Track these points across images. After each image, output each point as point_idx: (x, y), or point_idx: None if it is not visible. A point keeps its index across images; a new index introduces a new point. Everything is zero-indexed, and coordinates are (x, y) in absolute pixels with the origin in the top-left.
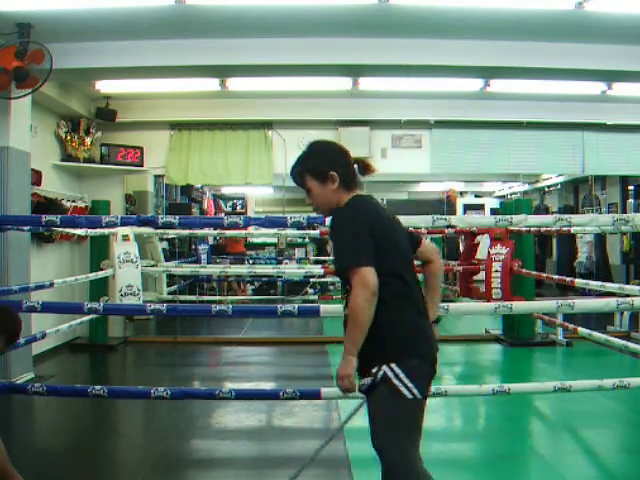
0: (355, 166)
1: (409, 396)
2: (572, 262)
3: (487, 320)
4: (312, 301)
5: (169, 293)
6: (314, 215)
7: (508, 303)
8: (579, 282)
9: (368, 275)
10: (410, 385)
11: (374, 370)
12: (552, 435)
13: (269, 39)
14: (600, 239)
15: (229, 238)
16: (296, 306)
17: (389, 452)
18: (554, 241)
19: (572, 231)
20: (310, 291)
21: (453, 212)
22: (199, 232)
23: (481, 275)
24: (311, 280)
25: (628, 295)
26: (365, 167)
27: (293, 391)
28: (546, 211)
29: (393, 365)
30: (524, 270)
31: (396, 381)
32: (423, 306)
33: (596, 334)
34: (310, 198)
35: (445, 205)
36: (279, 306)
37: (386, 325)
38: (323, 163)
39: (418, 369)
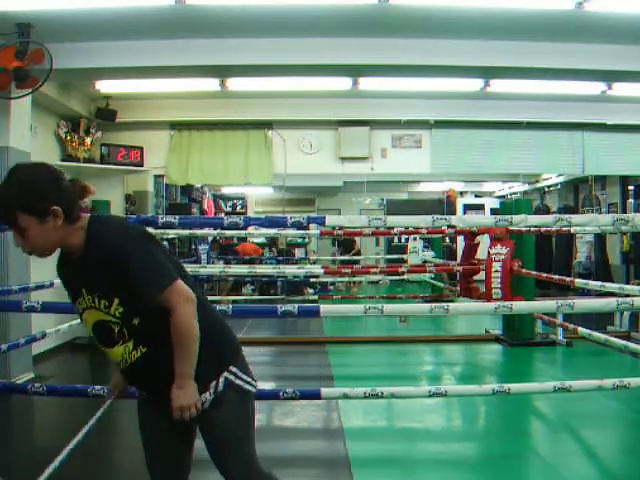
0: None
1: (253, 390)
2: (570, 262)
3: (487, 320)
4: (312, 301)
5: None
6: (314, 215)
7: (508, 303)
8: (579, 282)
9: (185, 287)
10: (249, 379)
11: (213, 383)
12: (552, 435)
13: (269, 39)
14: (600, 239)
15: (244, 244)
16: (296, 306)
17: (243, 469)
18: (553, 241)
19: (572, 231)
20: (310, 291)
21: (453, 212)
22: (199, 232)
23: (481, 275)
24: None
25: (628, 295)
26: (81, 190)
27: (293, 391)
28: (547, 211)
29: (231, 367)
30: (524, 270)
31: (239, 382)
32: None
33: (596, 334)
34: (22, 240)
35: (445, 205)
36: (279, 306)
37: (208, 330)
38: (40, 195)
39: (243, 359)
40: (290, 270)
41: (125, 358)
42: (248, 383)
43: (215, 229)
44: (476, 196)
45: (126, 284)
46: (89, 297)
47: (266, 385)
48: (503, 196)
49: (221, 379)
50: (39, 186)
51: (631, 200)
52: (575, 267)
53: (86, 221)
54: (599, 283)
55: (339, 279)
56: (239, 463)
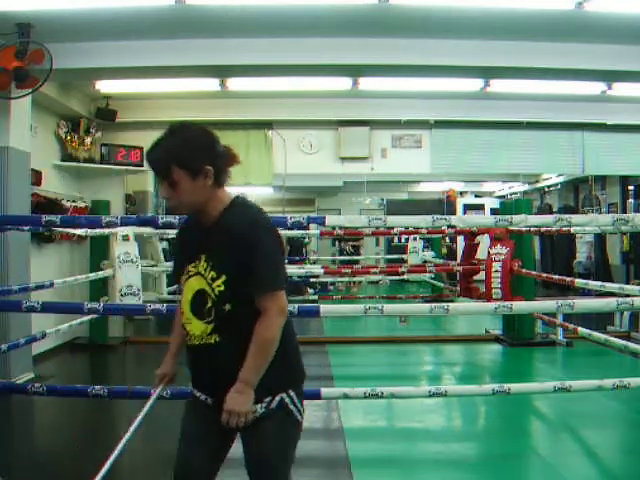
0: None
1: (301, 420)
2: (571, 262)
3: (487, 320)
4: (312, 301)
5: (169, 293)
6: (314, 215)
7: (508, 303)
8: (579, 282)
9: (285, 300)
10: (301, 409)
11: (268, 398)
12: (552, 435)
13: (269, 39)
14: (600, 239)
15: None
16: (296, 306)
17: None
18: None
19: (572, 231)
20: (310, 291)
21: (453, 212)
22: None
23: (481, 275)
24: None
25: (628, 295)
26: (231, 157)
27: None
28: (549, 211)
29: (290, 391)
30: (524, 270)
31: (292, 407)
32: None
33: (596, 334)
34: (172, 192)
35: (445, 205)
36: None
37: (286, 348)
38: (198, 154)
39: (302, 390)
40: (290, 270)
41: (201, 335)
42: (299, 412)
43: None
44: (476, 196)
45: (240, 266)
46: (204, 264)
47: None
48: (503, 196)
49: (277, 398)
50: (198, 145)
51: (631, 200)
52: (575, 267)
53: (229, 197)
54: (599, 283)
55: (339, 279)
56: None
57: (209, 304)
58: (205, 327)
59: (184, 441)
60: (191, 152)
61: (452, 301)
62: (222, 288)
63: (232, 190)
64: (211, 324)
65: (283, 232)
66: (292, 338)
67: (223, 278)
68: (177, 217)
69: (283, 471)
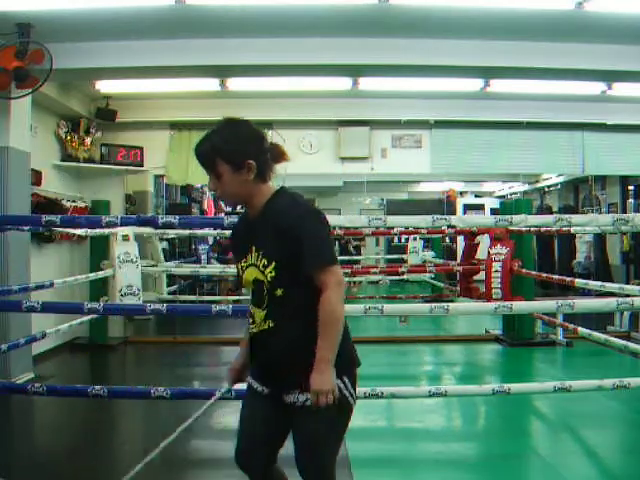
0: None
1: (353, 405)
2: (571, 262)
3: (487, 320)
4: None
5: (169, 293)
6: None
7: (508, 303)
8: (579, 282)
9: (341, 273)
10: (354, 393)
11: None
12: (552, 435)
13: (269, 39)
14: (600, 239)
15: None
16: None
17: (325, 468)
18: (554, 241)
19: (572, 231)
20: None
21: (453, 212)
22: (199, 232)
23: (481, 275)
24: None
25: (628, 295)
26: (279, 154)
27: None
28: (549, 211)
29: (344, 377)
30: (524, 270)
31: (346, 392)
32: None
33: (596, 334)
34: (217, 184)
35: (445, 205)
36: None
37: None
38: (242, 149)
39: (355, 375)
40: None
41: (259, 323)
42: (352, 397)
43: (215, 229)
44: (476, 196)
45: (288, 251)
46: (256, 254)
47: None
48: (503, 196)
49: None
50: (242, 140)
51: (631, 200)
52: (575, 267)
53: (274, 189)
54: (599, 283)
55: None
56: (315, 466)
57: (265, 292)
58: (262, 314)
59: (241, 427)
60: (234, 147)
61: (452, 301)
62: (274, 274)
63: None
64: (265, 310)
65: None
66: (345, 322)
67: (273, 264)
68: (177, 217)
69: (327, 454)
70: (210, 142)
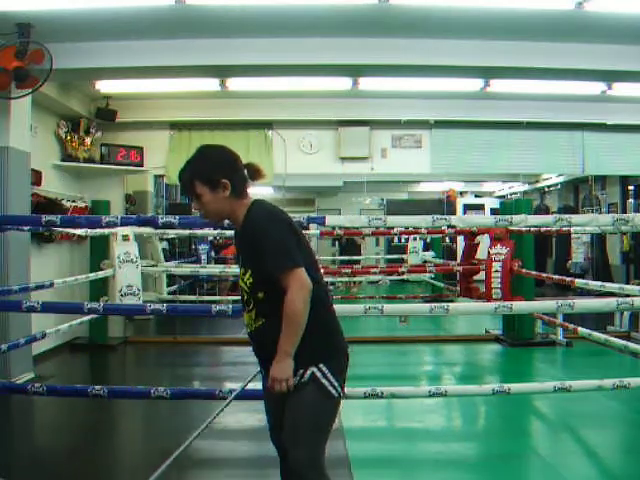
0: (245, 171)
1: (335, 395)
2: (566, 262)
3: (487, 320)
4: None
5: (169, 293)
6: (314, 215)
7: (508, 303)
8: (579, 282)
9: (304, 276)
10: (336, 384)
11: (300, 371)
12: (552, 435)
13: (269, 39)
14: (600, 239)
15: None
16: None
17: (306, 453)
18: (552, 242)
19: (572, 231)
20: None
21: (453, 212)
22: (199, 232)
23: (481, 275)
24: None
25: (628, 295)
26: (255, 172)
27: None
28: (547, 211)
29: (321, 365)
30: (524, 270)
31: (324, 381)
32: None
33: (596, 334)
34: (199, 205)
35: (445, 205)
36: None
37: (314, 326)
38: (214, 170)
39: (340, 366)
40: None
41: (250, 324)
42: (333, 387)
43: (215, 229)
44: (476, 196)
45: (257, 258)
46: (240, 263)
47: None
48: (503, 196)
49: (308, 371)
50: (215, 162)
51: (631, 200)
52: (570, 268)
53: (250, 201)
54: (599, 283)
55: (339, 279)
56: (299, 454)
57: (246, 297)
58: (249, 315)
59: (265, 410)
60: (209, 168)
61: (452, 301)
62: (251, 280)
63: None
64: (253, 311)
65: None
66: (323, 315)
67: (249, 272)
68: (177, 217)
69: (313, 440)
70: (188, 168)
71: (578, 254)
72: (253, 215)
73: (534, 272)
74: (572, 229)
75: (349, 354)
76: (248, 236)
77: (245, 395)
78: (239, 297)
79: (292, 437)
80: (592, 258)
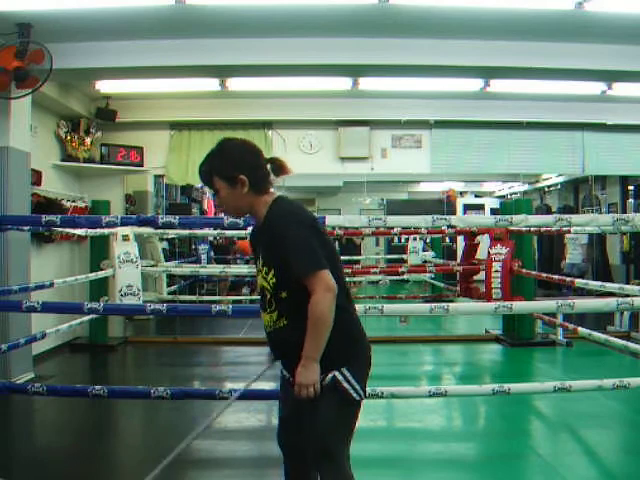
0: (268, 166)
1: (357, 398)
2: (559, 263)
3: (487, 320)
4: None
5: (169, 293)
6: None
7: (508, 303)
8: (579, 282)
9: (329, 277)
10: (358, 387)
11: (322, 375)
12: (552, 435)
13: (269, 39)
14: (600, 239)
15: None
16: None
17: (335, 457)
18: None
19: (572, 231)
20: None
21: (453, 212)
22: (199, 232)
23: (481, 275)
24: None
25: (628, 295)
26: (279, 167)
27: None
28: (548, 211)
29: (344, 369)
30: (524, 270)
31: (346, 384)
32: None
33: (596, 334)
34: (218, 199)
35: (445, 205)
36: None
37: (338, 329)
38: (233, 166)
39: (363, 370)
40: None
41: (270, 324)
42: (355, 390)
43: (215, 229)
44: (476, 196)
45: (280, 257)
46: (260, 262)
47: (266, 385)
48: (503, 196)
49: (330, 375)
50: (234, 158)
51: (631, 200)
52: (565, 268)
53: (273, 198)
54: (599, 283)
55: None
56: (320, 449)
57: (268, 296)
58: (270, 316)
59: (278, 411)
60: (227, 164)
61: (452, 301)
62: (274, 280)
63: None
64: (275, 311)
65: None
66: (346, 319)
67: (272, 271)
68: (177, 217)
69: (334, 444)
70: (207, 163)
71: (575, 255)
72: (275, 214)
73: (534, 272)
74: (572, 229)
75: (371, 356)
76: (270, 235)
77: (247, 395)
78: (238, 297)
79: (315, 442)
80: (587, 260)
